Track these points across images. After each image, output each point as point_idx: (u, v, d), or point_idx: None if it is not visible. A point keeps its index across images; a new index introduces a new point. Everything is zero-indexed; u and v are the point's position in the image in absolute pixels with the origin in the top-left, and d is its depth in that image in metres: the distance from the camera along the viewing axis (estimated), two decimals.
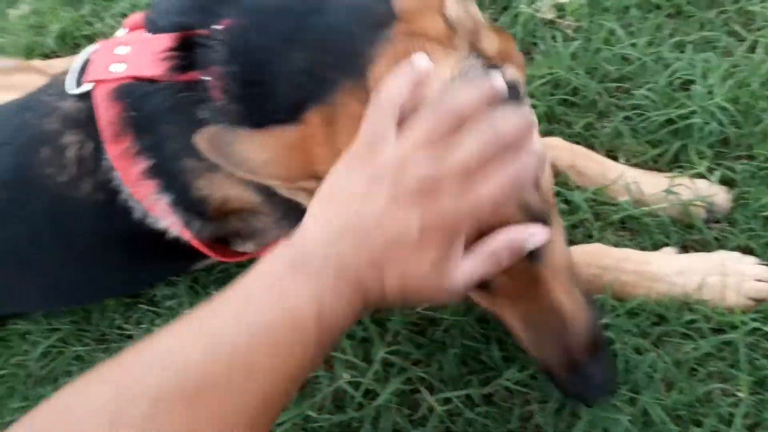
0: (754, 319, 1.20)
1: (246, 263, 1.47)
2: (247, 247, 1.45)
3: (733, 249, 1.31)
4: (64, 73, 1.33)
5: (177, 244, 1.34)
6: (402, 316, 1.35)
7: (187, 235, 1.30)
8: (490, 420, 1.21)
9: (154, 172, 1.21)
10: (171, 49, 1.13)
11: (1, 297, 1.52)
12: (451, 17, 0.93)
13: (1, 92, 1.63)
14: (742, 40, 1.60)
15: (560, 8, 1.77)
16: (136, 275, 1.53)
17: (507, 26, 1.78)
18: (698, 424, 1.12)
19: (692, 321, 1.21)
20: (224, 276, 1.54)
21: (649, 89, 1.53)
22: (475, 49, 0.95)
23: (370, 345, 1.34)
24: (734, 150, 1.42)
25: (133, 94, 1.17)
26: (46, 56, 2.16)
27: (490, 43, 0.98)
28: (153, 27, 1.21)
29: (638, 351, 1.20)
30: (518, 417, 1.20)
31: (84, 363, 1.53)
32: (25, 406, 1.48)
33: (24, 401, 1.49)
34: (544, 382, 1.20)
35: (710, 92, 1.47)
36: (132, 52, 1.20)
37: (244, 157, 0.95)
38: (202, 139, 0.94)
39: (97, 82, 1.21)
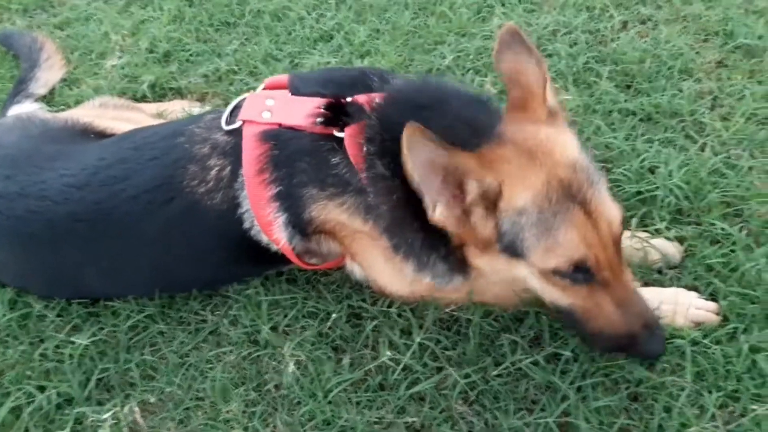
0: (697, 334, 1.63)
1: (310, 272, 1.90)
2: (314, 261, 1.85)
3: (683, 287, 1.76)
4: (208, 112, 1.82)
5: (267, 252, 1.74)
6: (434, 311, 1.75)
7: (285, 247, 1.70)
8: (501, 391, 1.60)
9: (280, 196, 1.62)
10: (322, 108, 1.58)
11: (121, 281, 1.89)
12: (550, 105, 1.44)
13: (119, 122, 2.10)
14: (695, 142, 2.12)
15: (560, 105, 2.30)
16: (231, 272, 1.91)
17: None
18: (655, 400, 1.53)
19: None
20: (290, 277, 1.93)
21: (625, 169, 2.03)
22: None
23: (409, 332, 1.74)
24: (686, 217, 1.91)
25: (279, 138, 1.61)
26: (137, 100, 2.61)
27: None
28: (295, 91, 1.68)
29: None
30: (522, 389, 1.60)
31: (165, 338, 1.87)
32: (114, 366, 1.81)
33: (114, 363, 1.82)
34: (537, 365, 1.61)
35: (670, 175, 1.97)
36: (277, 105, 1.65)
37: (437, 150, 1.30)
38: (413, 125, 1.25)
39: (247, 121, 1.65)
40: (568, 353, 1.61)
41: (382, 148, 1.49)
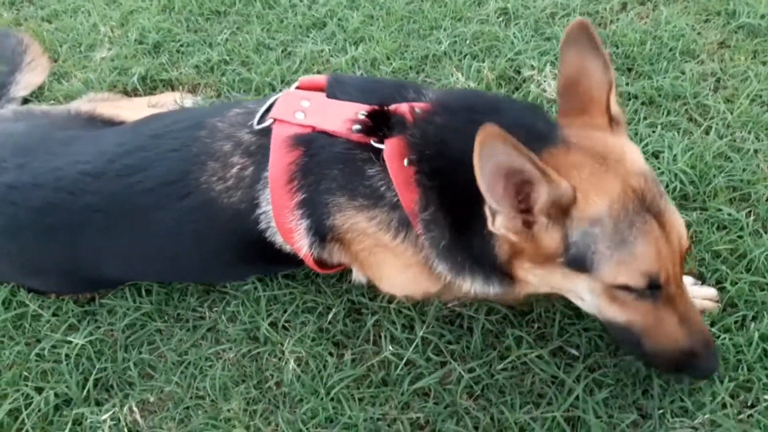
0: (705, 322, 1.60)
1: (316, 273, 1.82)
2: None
3: (687, 273, 1.73)
4: (232, 105, 1.76)
5: (279, 253, 1.68)
6: (436, 309, 1.72)
7: (303, 251, 1.63)
8: (507, 386, 1.57)
9: (305, 203, 1.55)
10: (363, 115, 1.49)
11: (133, 266, 1.84)
12: (613, 113, 1.34)
13: (123, 110, 2.09)
14: (699, 125, 2.08)
15: None
16: (240, 269, 1.87)
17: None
18: (665, 392, 1.50)
19: None
20: (287, 273, 1.90)
21: None
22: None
23: (411, 327, 1.70)
24: (691, 202, 1.87)
25: (312, 143, 1.52)
26: (127, 93, 2.56)
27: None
28: (332, 95, 1.60)
29: None
30: (528, 383, 1.57)
31: (163, 335, 1.84)
32: (112, 365, 1.78)
33: (112, 362, 1.79)
34: (543, 359, 1.58)
35: (675, 160, 1.93)
36: (312, 107, 1.57)
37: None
38: (490, 126, 1.10)
39: (278, 120, 1.57)
40: (573, 351, 1.59)
41: (432, 167, 1.40)
